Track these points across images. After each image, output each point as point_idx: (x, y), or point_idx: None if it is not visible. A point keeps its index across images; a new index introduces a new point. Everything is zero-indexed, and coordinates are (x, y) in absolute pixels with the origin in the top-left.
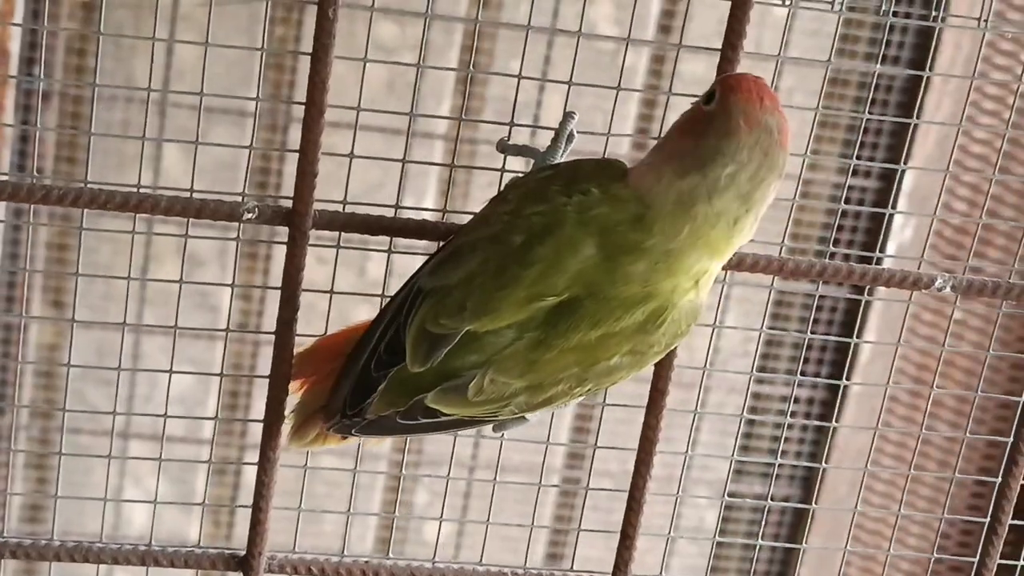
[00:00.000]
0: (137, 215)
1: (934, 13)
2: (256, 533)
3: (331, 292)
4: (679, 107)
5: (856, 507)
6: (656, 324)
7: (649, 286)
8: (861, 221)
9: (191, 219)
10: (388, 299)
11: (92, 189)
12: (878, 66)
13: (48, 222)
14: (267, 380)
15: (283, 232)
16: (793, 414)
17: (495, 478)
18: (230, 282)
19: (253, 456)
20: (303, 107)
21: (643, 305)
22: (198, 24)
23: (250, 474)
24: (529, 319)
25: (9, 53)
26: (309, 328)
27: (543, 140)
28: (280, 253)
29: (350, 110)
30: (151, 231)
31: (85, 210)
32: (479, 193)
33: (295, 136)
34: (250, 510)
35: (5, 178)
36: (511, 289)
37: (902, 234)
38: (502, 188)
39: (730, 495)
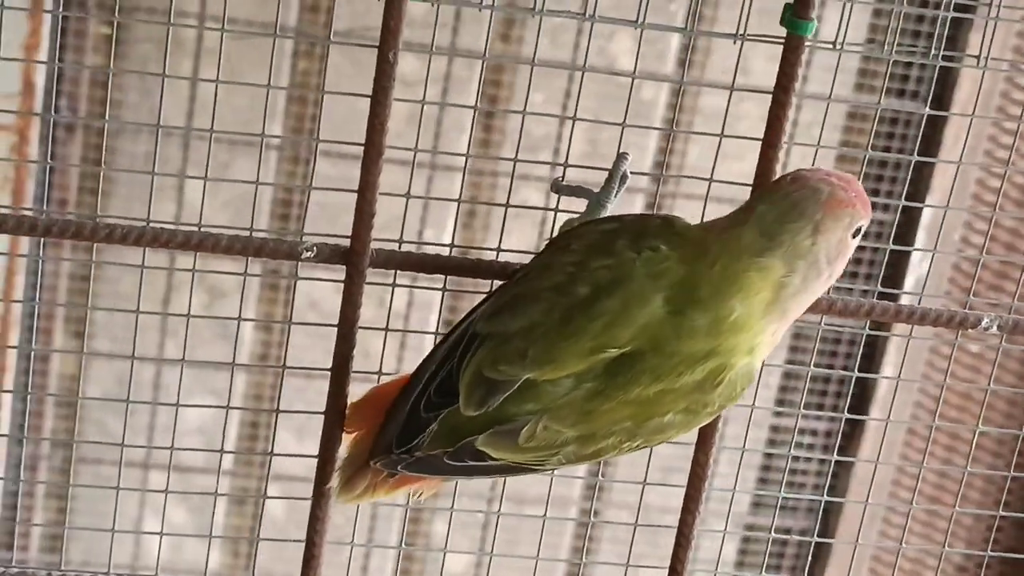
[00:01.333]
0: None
1: (946, 52)
2: (310, 568)
3: (386, 329)
4: (699, 141)
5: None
6: (714, 384)
7: (712, 344)
8: (879, 255)
9: (249, 258)
10: (438, 340)
11: (154, 228)
12: (898, 103)
13: (72, 255)
14: (289, 413)
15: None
16: (811, 447)
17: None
18: (251, 312)
19: (274, 487)
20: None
21: (704, 363)
22: (222, 56)
23: (270, 505)
24: (588, 369)
25: (35, 86)
26: (326, 358)
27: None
28: (303, 284)
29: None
30: (173, 265)
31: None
32: (498, 224)
33: (320, 169)
34: (279, 543)
35: (40, 214)
36: (575, 340)
37: (920, 267)
38: (556, 234)
39: (748, 528)
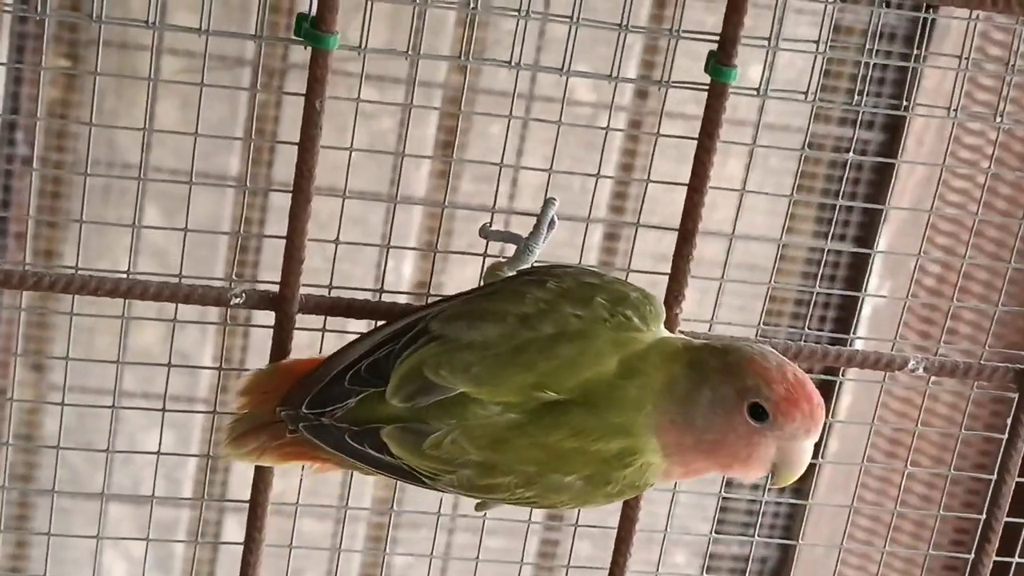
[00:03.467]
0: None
1: (905, 103)
2: None
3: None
4: (655, 171)
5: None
6: (623, 463)
7: (632, 421)
8: (836, 284)
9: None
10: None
11: (82, 276)
12: (851, 154)
13: (28, 303)
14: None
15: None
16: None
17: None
18: (209, 345)
19: (233, 519)
20: (286, 170)
21: (621, 438)
22: (180, 90)
23: (230, 534)
24: (519, 403)
25: None
26: None
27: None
28: (261, 317)
29: (332, 174)
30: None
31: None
32: (457, 259)
33: (276, 201)
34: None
35: None
36: (522, 371)
37: (875, 300)
38: (484, 279)
39: (711, 556)
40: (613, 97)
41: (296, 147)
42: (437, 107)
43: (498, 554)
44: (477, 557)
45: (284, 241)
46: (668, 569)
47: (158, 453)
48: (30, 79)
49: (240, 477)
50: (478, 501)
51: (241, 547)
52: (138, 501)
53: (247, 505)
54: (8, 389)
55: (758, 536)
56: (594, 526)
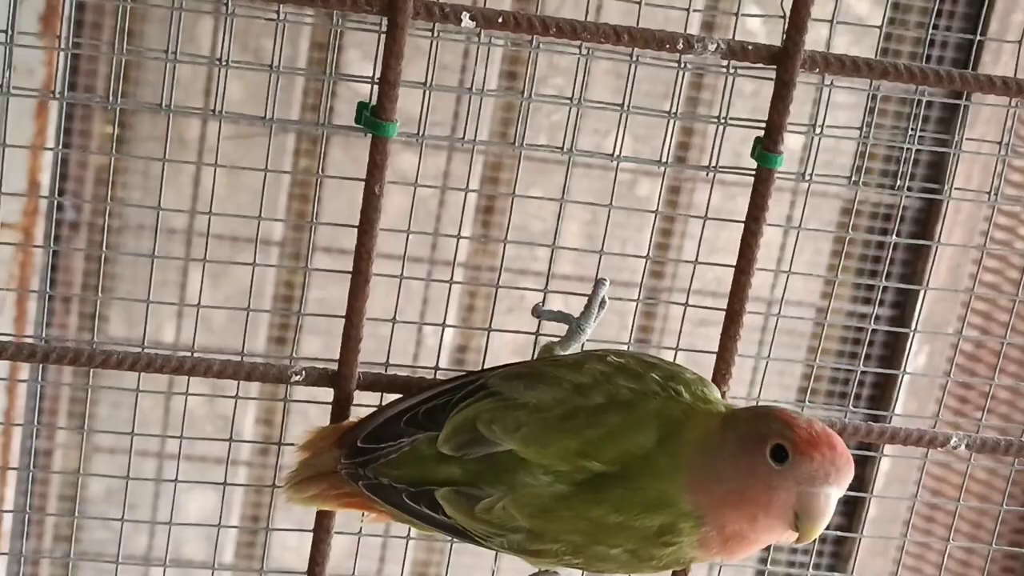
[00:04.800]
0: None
1: (940, 187)
2: None
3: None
4: (693, 236)
5: None
6: (661, 542)
7: (668, 493)
8: (875, 348)
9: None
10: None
11: (148, 354)
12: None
13: (72, 380)
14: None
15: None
16: (804, 564)
17: None
18: (251, 408)
19: None
20: (327, 234)
21: (660, 513)
22: (223, 156)
23: None
24: (567, 473)
25: (39, 184)
26: None
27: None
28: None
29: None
30: (173, 390)
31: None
32: (499, 319)
33: (319, 262)
34: None
35: (41, 341)
36: (569, 437)
37: (916, 361)
38: (537, 357)
39: None
40: (662, 185)
41: (348, 223)
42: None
43: None
44: None
45: (329, 295)
46: None
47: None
48: (78, 145)
49: (280, 539)
50: (531, 574)
51: None
52: (181, 564)
53: (291, 569)
54: (54, 450)
55: None
56: None
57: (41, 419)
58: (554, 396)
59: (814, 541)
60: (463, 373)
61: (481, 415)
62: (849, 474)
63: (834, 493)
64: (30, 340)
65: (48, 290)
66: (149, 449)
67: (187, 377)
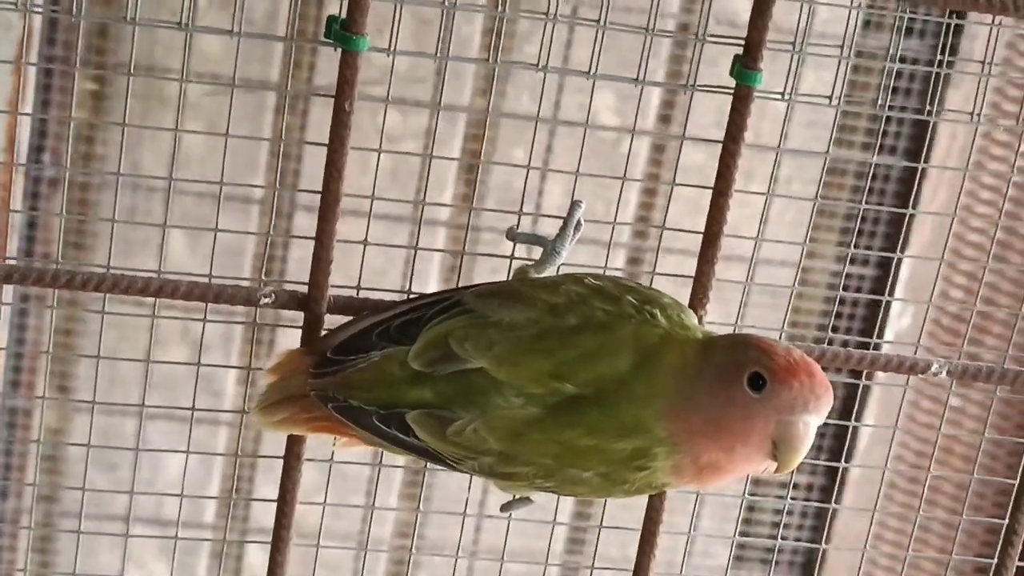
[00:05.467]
0: (143, 300)
1: (928, 108)
2: None
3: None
4: (677, 196)
5: None
6: (635, 466)
7: (642, 418)
8: (859, 309)
9: (208, 304)
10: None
11: (114, 275)
12: (875, 157)
13: (54, 306)
14: (271, 461)
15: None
16: (792, 499)
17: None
18: (235, 367)
19: (256, 543)
20: (307, 194)
21: (634, 438)
22: (205, 113)
23: (252, 557)
24: (540, 396)
25: (18, 141)
26: None
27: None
28: (284, 338)
29: (355, 198)
30: (156, 314)
31: (95, 295)
32: (481, 271)
33: (299, 222)
34: None
35: (15, 262)
36: (541, 358)
37: (899, 322)
38: (511, 279)
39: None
40: (640, 98)
41: (322, 166)
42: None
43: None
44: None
45: (310, 254)
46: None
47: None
48: (58, 102)
49: (264, 504)
50: (504, 503)
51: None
52: (162, 523)
53: (271, 528)
54: (35, 407)
55: (785, 531)
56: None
57: (20, 379)
58: (528, 316)
59: (792, 474)
60: (438, 290)
61: (454, 332)
62: (828, 402)
63: (813, 421)
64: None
65: (27, 247)
66: (129, 408)
67: (156, 301)
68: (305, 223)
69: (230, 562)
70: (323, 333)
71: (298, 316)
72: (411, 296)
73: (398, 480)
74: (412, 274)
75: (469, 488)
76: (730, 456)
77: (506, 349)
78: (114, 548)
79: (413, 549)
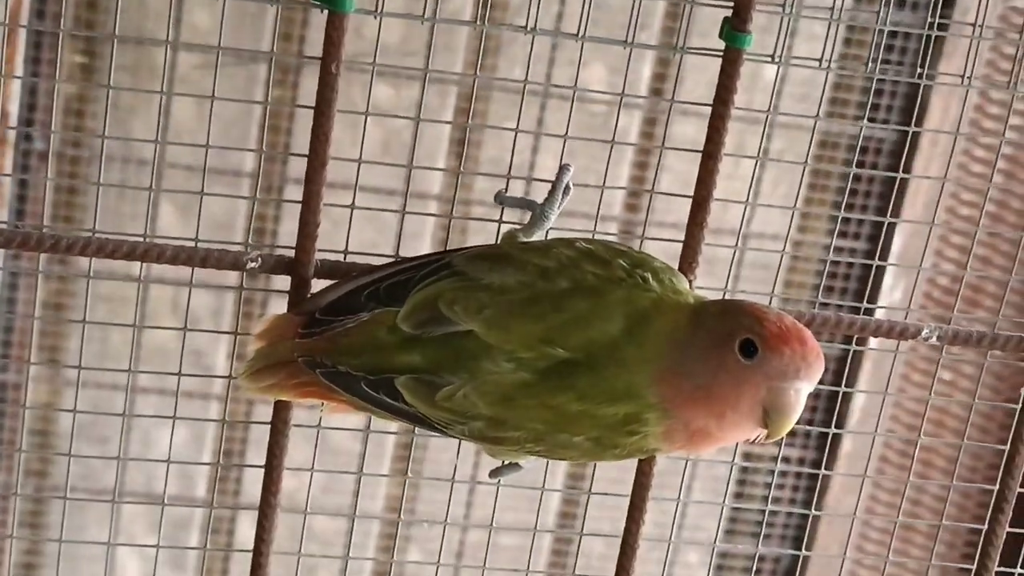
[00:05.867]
0: (133, 273)
1: (920, 70)
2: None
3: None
4: (669, 169)
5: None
6: (626, 431)
7: (633, 384)
8: (851, 283)
9: (195, 269)
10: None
11: (100, 238)
12: (866, 123)
13: (45, 278)
14: (262, 436)
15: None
16: (784, 474)
17: (489, 535)
18: (224, 340)
19: (246, 517)
20: (299, 167)
21: (625, 403)
22: (195, 86)
23: (243, 533)
24: (530, 360)
25: (8, 114)
26: None
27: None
28: (274, 310)
29: (346, 168)
30: (145, 277)
31: (86, 263)
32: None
33: (290, 195)
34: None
35: (5, 227)
36: (532, 322)
37: (891, 296)
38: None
39: (721, 555)
40: (629, 62)
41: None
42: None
43: (511, 553)
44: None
45: (298, 229)
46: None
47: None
48: (47, 75)
49: (254, 475)
50: (493, 469)
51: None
52: (152, 498)
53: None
54: (24, 381)
55: (777, 506)
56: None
57: (9, 352)
58: (519, 279)
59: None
60: (428, 253)
61: (443, 294)
62: (819, 369)
63: (804, 388)
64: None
65: (16, 221)
66: (119, 382)
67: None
68: (296, 196)
69: (221, 537)
70: (311, 294)
71: (287, 290)
72: (400, 258)
73: (388, 455)
74: (400, 242)
75: (458, 454)
76: (720, 423)
77: (496, 313)
78: (104, 522)
79: (401, 515)
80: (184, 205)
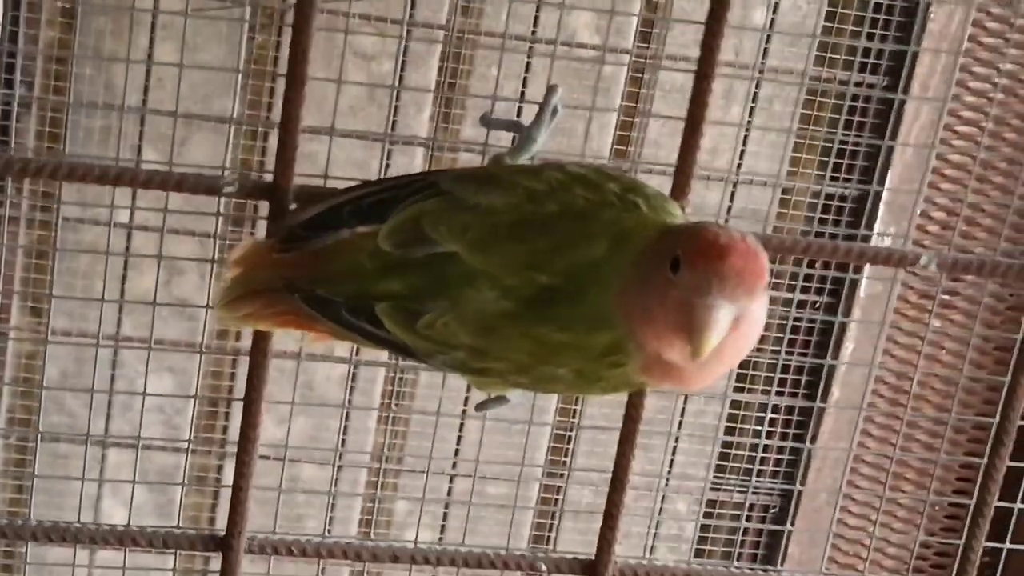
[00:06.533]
0: (118, 220)
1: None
2: (236, 513)
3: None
4: (659, 113)
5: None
6: (610, 362)
7: (608, 302)
8: (840, 228)
9: (170, 193)
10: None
11: (71, 162)
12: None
13: (27, 228)
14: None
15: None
16: (776, 408)
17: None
18: (208, 291)
19: (233, 464)
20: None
21: (606, 331)
22: (178, 32)
23: (229, 482)
24: (514, 288)
25: None
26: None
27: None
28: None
29: (327, 119)
30: (130, 239)
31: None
32: None
33: (274, 143)
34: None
35: None
36: (517, 245)
37: (883, 242)
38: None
39: (709, 503)
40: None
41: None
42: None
43: (498, 500)
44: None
45: (276, 152)
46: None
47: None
48: (28, 19)
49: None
50: (479, 402)
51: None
52: (140, 448)
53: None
54: (7, 334)
55: (770, 440)
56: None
57: None
58: (507, 201)
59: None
60: (414, 172)
61: (427, 213)
62: (742, 287)
63: (721, 305)
64: None
65: None
66: (105, 331)
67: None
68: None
69: (208, 487)
70: (291, 207)
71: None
72: (386, 178)
73: (376, 404)
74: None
75: (442, 385)
76: (661, 344)
77: (481, 234)
78: (91, 472)
79: (387, 460)
80: (168, 152)
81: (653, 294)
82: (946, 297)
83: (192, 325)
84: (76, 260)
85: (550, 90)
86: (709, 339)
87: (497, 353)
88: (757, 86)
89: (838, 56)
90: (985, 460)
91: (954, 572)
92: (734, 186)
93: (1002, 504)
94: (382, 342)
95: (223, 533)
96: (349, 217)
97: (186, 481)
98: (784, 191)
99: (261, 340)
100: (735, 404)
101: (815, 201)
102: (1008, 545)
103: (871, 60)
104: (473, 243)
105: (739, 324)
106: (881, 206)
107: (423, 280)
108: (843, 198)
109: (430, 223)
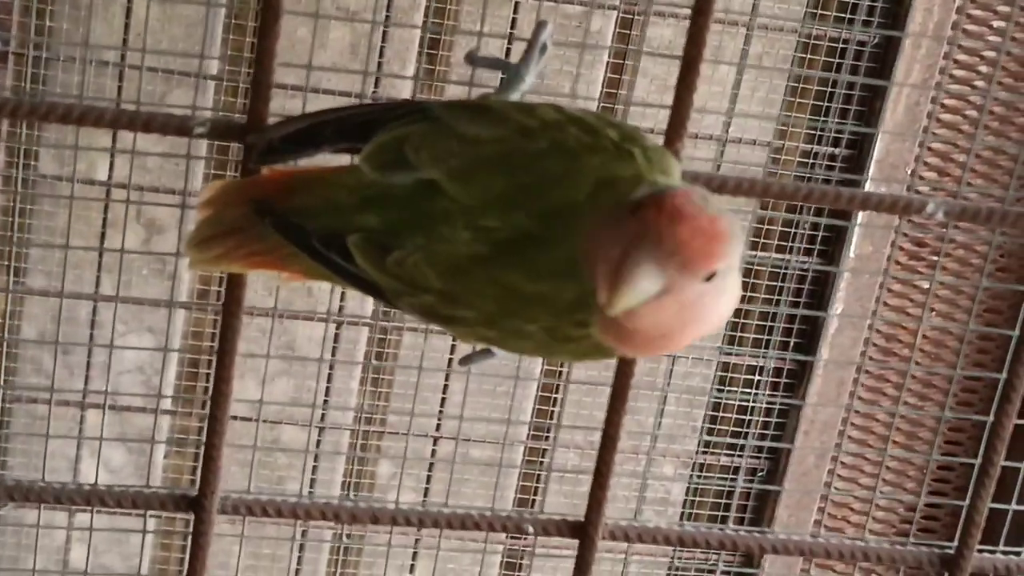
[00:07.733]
0: (95, 178)
1: None
2: (209, 471)
3: None
4: (647, 71)
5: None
6: (576, 320)
7: (575, 260)
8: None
9: (139, 133)
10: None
11: (33, 101)
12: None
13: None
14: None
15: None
16: (766, 359)
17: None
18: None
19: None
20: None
21: (573, 284)
22: None
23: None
24: (488, 230)
25: None
26: (267, 298)
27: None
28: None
29: (309, 74)
30: (110, 198)
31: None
32: None
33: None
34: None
35: None
36: (499, 177)
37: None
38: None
39: (697, 467)
40: None
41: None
42: None
43: (482, 462)
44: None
45: (251, 91)
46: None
47: None
48: None
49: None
50: (463, 356)
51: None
52: (117, 408)
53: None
54: None
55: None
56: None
57: None
58: (496, 133)
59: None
60: (405, 99)
61: (411, 137)
62: (680, 260)
63: (648, 268)
64: None
65: None
66: (83, 290)
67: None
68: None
69: (189, 448)
70: (271, 122)
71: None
72: (374, 101)
73: (359, 367)
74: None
75: (424, 351)
76: (597, 292)
77: (463, 163)
78: (70, 433)
79: (368, 416)
80: (147, 110)
81: (605, 235)
82: (935, 258)
83: (172, 284)
84: (55, 218)
85: (539, 26)
86: (623, 295)
87: (466, 300)
88: (747, 42)
89: (828, 11)
90: (991, 418)
91: (958, 532)
92: (723, 145)
93: (1009, 463)
94: (351, 278)
95: (195, 493)
96: (332, 135)
97: (166, 443)
98: (775, 150)
99: (235, 287)
100: (723, 366)
101: (808, 148)
102: (1014, 506)
103: (850, 58)
104: (454, 171)
105: (675, 299)
106: (872, 164)
107: (400, 215)
108: (833, 157)
109: (412, 147)
